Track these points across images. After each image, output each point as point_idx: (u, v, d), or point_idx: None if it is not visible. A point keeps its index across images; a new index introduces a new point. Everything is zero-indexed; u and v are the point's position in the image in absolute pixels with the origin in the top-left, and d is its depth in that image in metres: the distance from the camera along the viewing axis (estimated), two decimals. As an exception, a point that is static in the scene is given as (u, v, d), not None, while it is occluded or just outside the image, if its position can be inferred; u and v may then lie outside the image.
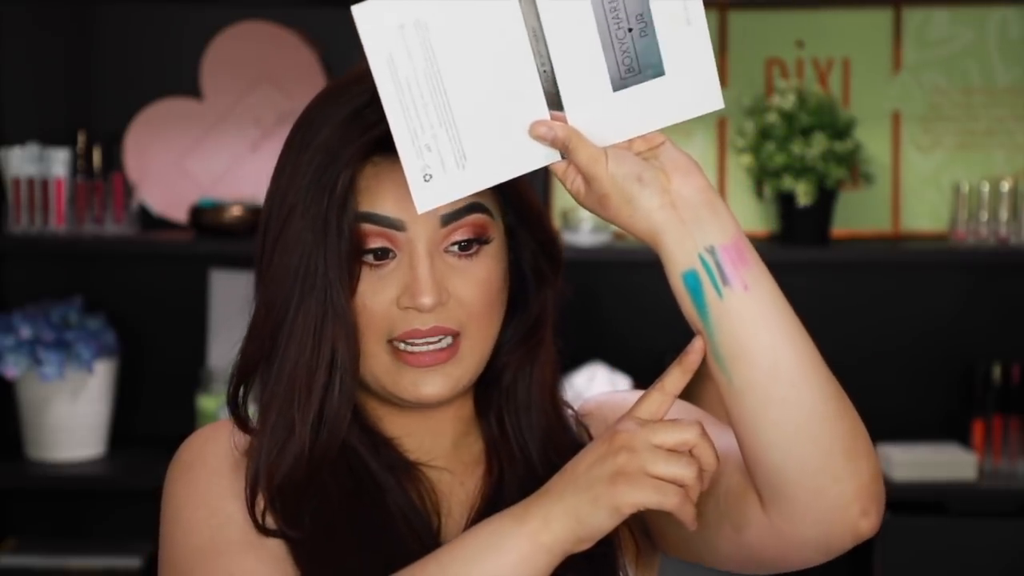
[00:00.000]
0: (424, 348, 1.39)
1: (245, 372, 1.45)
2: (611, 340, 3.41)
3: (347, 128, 1.37)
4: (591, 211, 1.33)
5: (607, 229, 3.26)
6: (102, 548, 3.32)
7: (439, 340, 1.39)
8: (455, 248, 1.39)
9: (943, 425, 3.43)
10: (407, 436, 1.46)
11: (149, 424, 3.43)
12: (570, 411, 1.52)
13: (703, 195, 1.30)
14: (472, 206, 1.39)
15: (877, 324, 3.45)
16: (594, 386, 3.17)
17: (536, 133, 1.30)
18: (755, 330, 1.30)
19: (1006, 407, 3.31)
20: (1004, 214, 3.28)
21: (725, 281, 1.30)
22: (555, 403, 1.49)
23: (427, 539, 1.40)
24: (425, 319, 1.38)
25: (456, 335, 1.39)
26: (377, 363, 1.40)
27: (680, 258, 1.30)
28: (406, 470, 1.44)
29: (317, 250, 1.36)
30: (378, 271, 1.38)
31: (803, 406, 1.30)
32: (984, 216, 3.28)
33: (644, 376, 3.33)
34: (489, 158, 1.31)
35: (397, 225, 1.38)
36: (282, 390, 1.40)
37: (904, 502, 3.26)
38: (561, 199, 3.35)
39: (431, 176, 1.30)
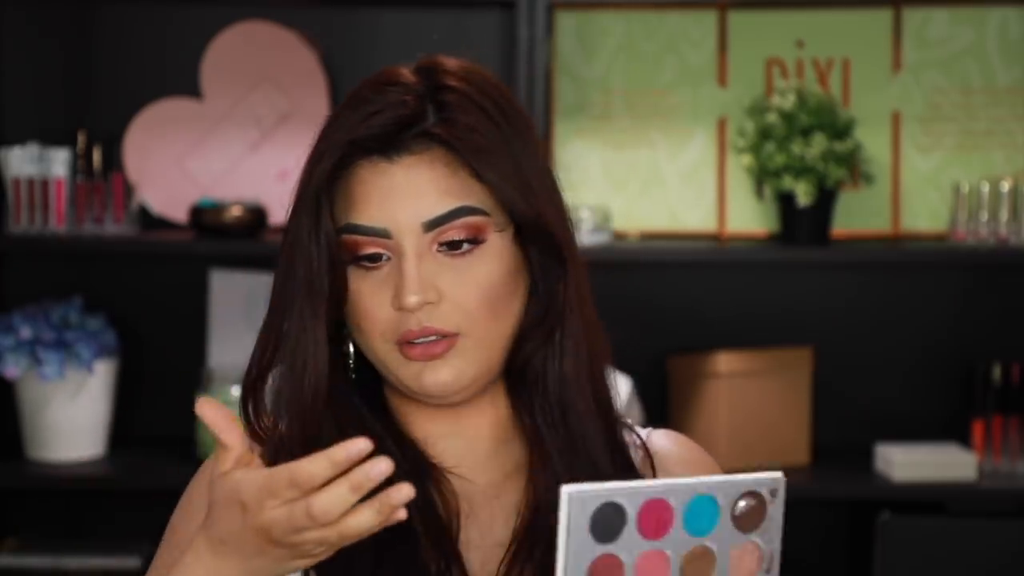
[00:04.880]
0: (420, 341, 1.39)
1: (250, 375, 1.45)
2: (611, 340, 3.40)
3: (336, 131, 1.40)
4: None
5: (607, 229, 3.26)
6: (102, 548, 3.32)
7: (432, 339, 1.39)
8: (445, 248, 1.40)
9: (943, 425, 3.43)
10: (438, 439, 1.46)
11: (149, 424, 3.43)
12: (635, 436, 1.50)
13: None
14: (460, 209, 1.39)
15: (877, 324, 3.45)
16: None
17: None
18: None
19: (1006, 407, 3.31)
20: (1004, 214, 3.28)
21: None
22: (596, 399, 1.47)
23: (445, 544, 1.40)
24: (417, 319, 1.38)
25: (452, 336, 1.39)
26: (387, 359, 1.41)
27: None
28: (427, 472, 1.43)
29: (304, 258, 1.40)
30: (375, 273, 1.40)
31: None
32: (984, 216, 3.28)
33: (644, 376, 3.33)
34: None
35: (382, 234, 1.39)
36: (289, 389, 1.43)
37: (904, 502, 3.26)
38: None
39: None
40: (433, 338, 1.39)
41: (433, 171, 1.39)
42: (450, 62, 1.44)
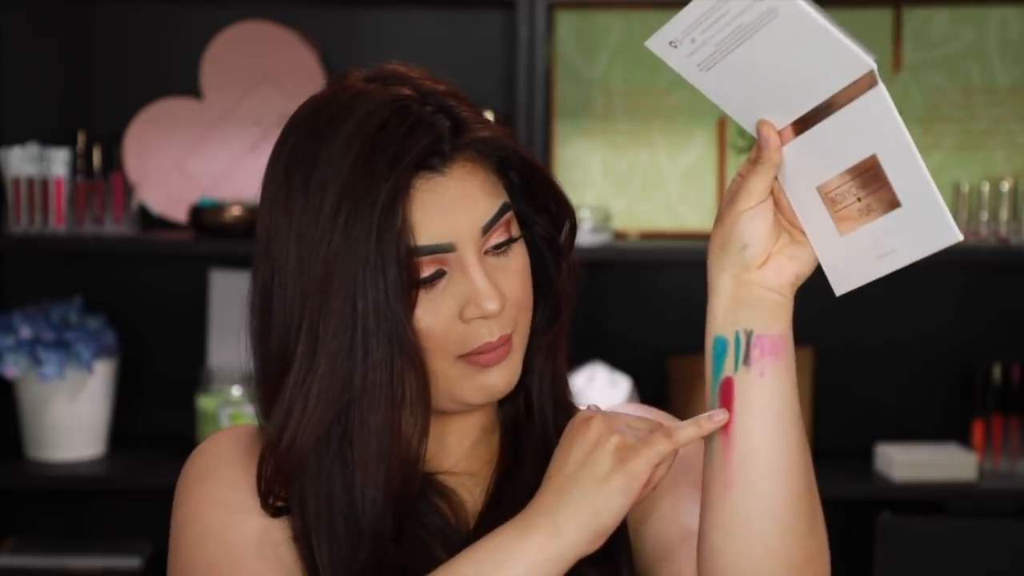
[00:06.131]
0: (491, 349, 1.40)
1: (311, 439, 1.37)
2: (611, 340, 3.41)
3: (368, 162, 1.35)
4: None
5: (607, 229, 3.26)
6: (102, 548, 3.32)
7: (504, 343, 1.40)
8: (492, 249, 1.40)
9: (943, 425, 3.43)
10: (432, 441, 1.45)
11: (149, 424, 3.43)
12: (574, 408, 1.52)
13: (777, 293, 1.33)
14: (503, 207, 1.40)
15: (877, 324, 3.45)
16: (594, 386, 3.17)
17: (761, 129, 1.32)
18: (749, 412, 1.31)
19: (1006, 407, 3.31)
20: (1004, 214, 3.28)
21: (747, 361, 1.32)
22: (566, 382, 1.50)
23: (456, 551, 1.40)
24: (492, 327, 1.38)
25: (510, 335, 1.41)
26: (446, 378, 1.40)
27: (719, 324, 1.33)
28: (432, 486, 1.44)
29: (370, 292, 1.34)
30: (431, 292, 1.38)
31: (763, 502, 1.30)
32: (984, 216, 3.28)
33: (644, 377, 3.34)
34: (723, 86, 1.31)
35: (448, 248, 1.37)
36: (372, 436, 1.37)
37: (904, 502, 3.26)
38: (561, 199, 3.35)
39: (676, 47, 1.30)
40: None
41: (477, 176, 1.39)
42: (407, 69, 1.43)
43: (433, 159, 1.37)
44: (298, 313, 1.37)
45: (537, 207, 1.46)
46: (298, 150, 1.39)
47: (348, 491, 1.37)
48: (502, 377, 1.40)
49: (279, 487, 1.39)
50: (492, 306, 1.37)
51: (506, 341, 1.39)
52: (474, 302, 1.37)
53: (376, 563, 1.37)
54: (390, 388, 1.36)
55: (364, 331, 1.35)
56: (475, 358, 1.39)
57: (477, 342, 1.38)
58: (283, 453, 1.37)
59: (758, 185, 1.32)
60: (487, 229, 1.39)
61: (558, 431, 1.45)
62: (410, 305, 1.36)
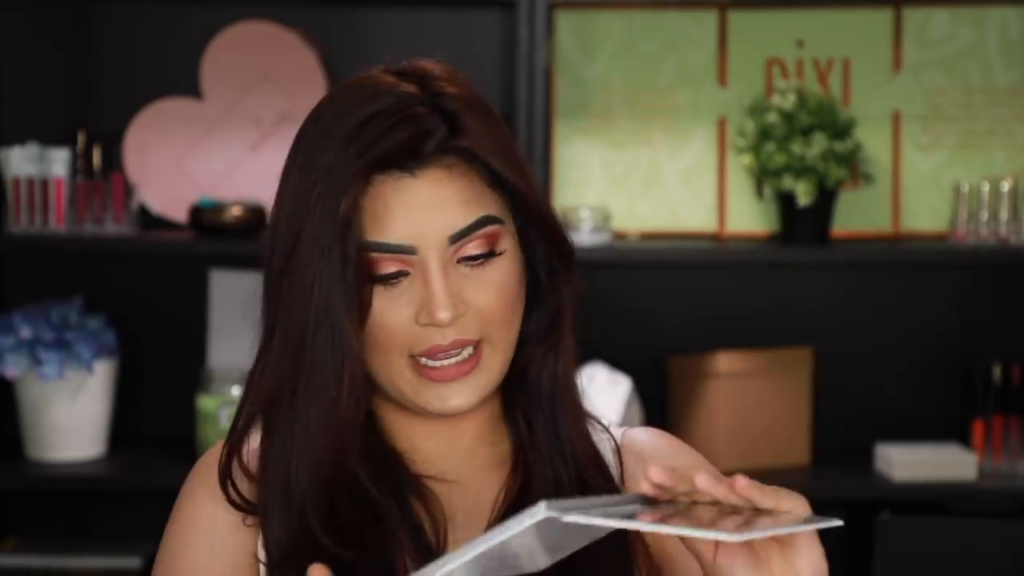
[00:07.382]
0: (447, 362, 1.38)
1: (259, 406, 1.41)
2: (611, 340, 3.41)
3: (347, 148, 1.36)
4: None
5: (607, 229, 3.26)
6: (102, 548, 3.32)
7: (460, 352, 1.38)
8: (467, 259, 1.39)
9: (943, 425, 3.43)
10: (422, 444, 1.45)
11: (149, 424, 3.43)
12: (599, 425, 1.52)
13: None
14: (482, 219, 1.38)
15: (877, 324, 3.45)
16: (594, 386, 3.17)
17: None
18: None
19: (1006, 407, 3.31)
20: (1004, 214, 3.28)
21: None
22: (577, 403, 1.49)
23: (429, 558, 1.39)
24: (445, 333, 1.37)
25: (477, 344, 1.39)
26: (401, 379, 1.39)
27: None
28: (413, 487, 1.43)
29: (324, 277, 1.35)
30: (392, 289, 1.38)
31: None
32: (984, 216, 3.28)
33: (644, 377, 3.33)
34: None
35: (408, 251, 1.37)
36: (311, 416, 1.38)
37: (904, 502, 3.26)
38: (561, 197, 3.35)
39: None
40: (462, 354, 1.38)
41: (454, 183, 1.38)
42: (433, 67, 1.42)
43: (407, 159, 1.36)
44: (271, 282, 1.40)
45: (535, 228, 1.44)
46: (304, 132, 1.41)
47: (290, 468, 1.39)
48: (463, 397, 1.39)
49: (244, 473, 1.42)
50: (443, 315, 1.36)
51: (462, 346, 1.38)
52: (427, 308, 1.36)
53: (312, 550, 1.36)
54: (334, 372, 1.36)
55: (315, 312, 1.36)
56: (426, 370, 1.38)
57: (427, 344, 1.37)
58: (249, 402, 1.41)
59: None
60: (457, 239, 1.37)
61: (568, 460, 1.45)
62: (366, 298, 1.36)
